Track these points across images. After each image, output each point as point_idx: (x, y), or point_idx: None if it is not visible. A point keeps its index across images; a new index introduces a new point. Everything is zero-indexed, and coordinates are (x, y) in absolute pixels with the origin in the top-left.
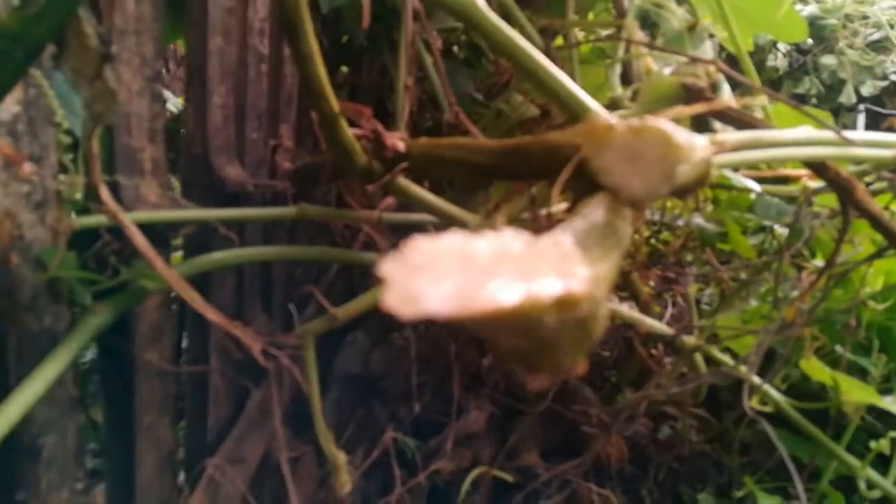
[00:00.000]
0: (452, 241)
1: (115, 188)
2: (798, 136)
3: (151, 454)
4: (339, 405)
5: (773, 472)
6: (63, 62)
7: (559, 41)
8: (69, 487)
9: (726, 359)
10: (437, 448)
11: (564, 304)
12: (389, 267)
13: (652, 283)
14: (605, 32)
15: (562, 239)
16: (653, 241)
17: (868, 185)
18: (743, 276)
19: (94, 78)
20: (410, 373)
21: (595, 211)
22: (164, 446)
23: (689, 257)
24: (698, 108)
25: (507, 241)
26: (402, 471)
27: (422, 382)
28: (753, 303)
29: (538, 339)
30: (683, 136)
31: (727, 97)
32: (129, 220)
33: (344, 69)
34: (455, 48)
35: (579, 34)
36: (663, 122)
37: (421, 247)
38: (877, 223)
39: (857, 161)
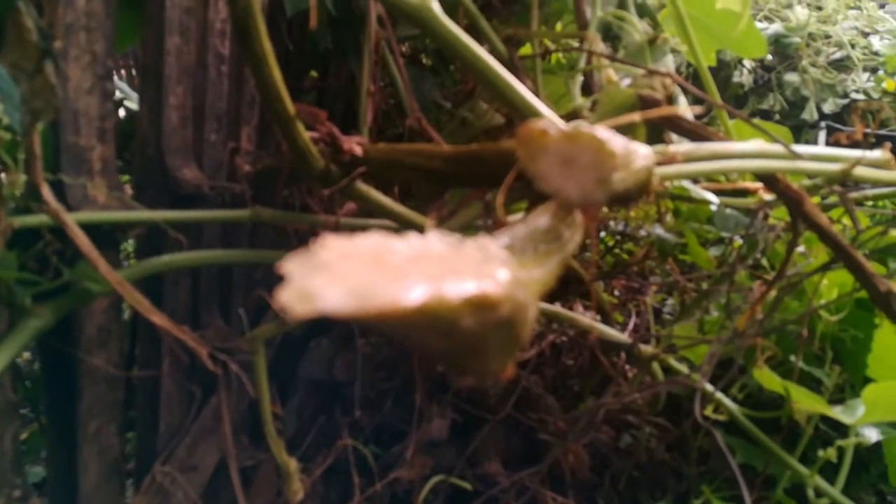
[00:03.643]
0: (367, 241)
1: (60, 187)
2: (748, 148)
3: (97, 462)
4: (302, 411)
5: (730, 481)
6: (2, 56)
7: (526, 50)
8: (6, 494)
9: (682, 368)
10: (399, 455)
11: (479, 305)
12: (291, 264)
13: (616, 293)
14: (567, 43)
15: (487, 242)
16: (616, 250)
17: (823, 198)
18: (704, 286)
19: (33, 73)
20: (374, 379)
21: (539, 217)
22: (111, 454)
23: (652, 267)
24: (645, 114)
25: (428, 243)
26: (364, 479)
27: (385, 389)
28: (715, 313)
29: (459, 340)
30: (619, 143)
31: (683, 109)
32: (72, 220)
33: (313, 74)
34: (422, 55)
35: (544, 44)
36: (598, 129)
37: (330, 245)
38: (824, 235)
39: (811, 175)
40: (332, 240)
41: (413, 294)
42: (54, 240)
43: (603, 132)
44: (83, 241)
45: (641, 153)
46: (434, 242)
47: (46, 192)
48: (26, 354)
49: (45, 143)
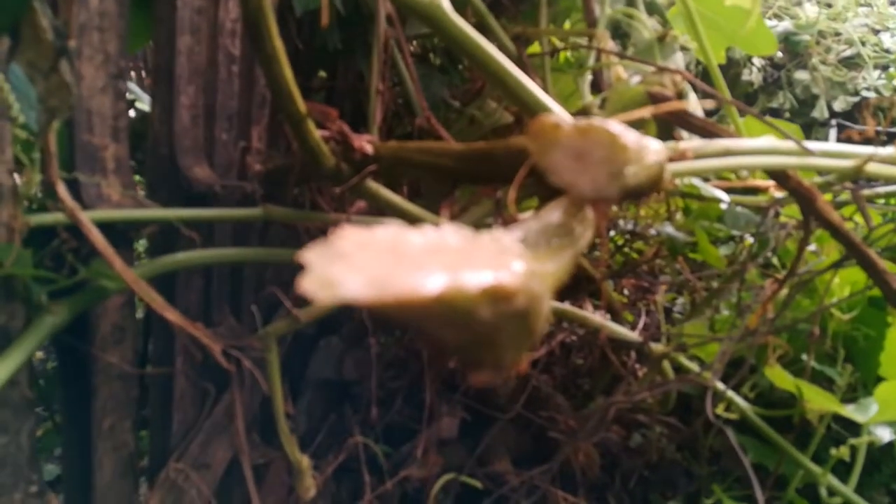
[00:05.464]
0: (385, 232)
1: (75, 186)
2: (759, 145)
3: (111, 458)
4: (312, 410)
5: (741, 481)
6: (18, 55)
7: (535, 48)
8: (22, 490)
9: (693, 366)
10: (409, 454)
11: (496, 296)
12: (312, 253)
13: (626, 292)
14: (576, 41)
15: (503, 235)
16: (626, 249)
17: (835, 196)
18: (715, 284)
19: (49, 72)
20: (383, 378)
21: (552, 212)
22: (125, 450)
23: (662, 266)
24: (656, 109)
25: (444, 235)
26: (374, 477)
27: (395, 388)
28: (725, 312)
29: (474, 332)
30: (632, 137)
31: (693, 106)
32: (87, 218)
33: (321, 73)
34: (431, 54)
35: (552, 42)
36: (611, 123)
37: (349, 235)
38: (836, 232)
39: (822, 172)
40: (349, 230)
41: (431, 283)
42: (70, 238)
43: (616, 126)
44: (98, 238)
45: (654, 148)
46: (450, 234)
47: (62, 191)
48: (39, 353)
49: (60, 142)
